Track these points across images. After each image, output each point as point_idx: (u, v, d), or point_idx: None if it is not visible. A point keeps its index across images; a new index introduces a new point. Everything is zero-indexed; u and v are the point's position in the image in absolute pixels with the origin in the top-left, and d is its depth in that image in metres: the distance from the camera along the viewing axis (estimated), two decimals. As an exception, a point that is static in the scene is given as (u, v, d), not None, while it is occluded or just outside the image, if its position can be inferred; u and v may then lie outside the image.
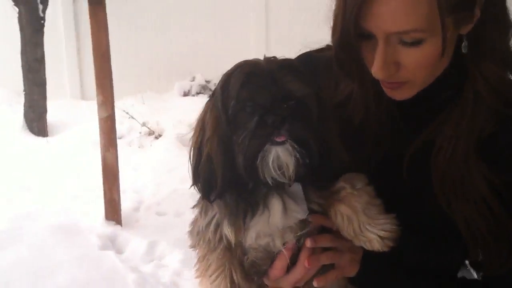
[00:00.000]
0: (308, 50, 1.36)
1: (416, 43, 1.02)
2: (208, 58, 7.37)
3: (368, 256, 1.16)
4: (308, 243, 1.11)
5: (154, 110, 6.58)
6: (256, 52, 7.28)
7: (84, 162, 5.25)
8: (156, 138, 5.85)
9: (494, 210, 1.09)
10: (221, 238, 1.12)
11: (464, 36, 1.08)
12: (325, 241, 1.14)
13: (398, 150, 1.17)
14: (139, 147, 5.71)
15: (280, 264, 1.14)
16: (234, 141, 1.01)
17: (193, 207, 1.21)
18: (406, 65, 1.06)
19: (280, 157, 0.99)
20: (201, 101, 7.43)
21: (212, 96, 1.09)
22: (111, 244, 3.66)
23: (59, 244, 3.45)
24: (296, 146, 0.99)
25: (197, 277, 1.22)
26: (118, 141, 5.67)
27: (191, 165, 1.10)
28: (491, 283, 1.20)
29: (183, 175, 5.20)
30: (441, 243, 1.17)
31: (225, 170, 1.04)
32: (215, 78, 7.59)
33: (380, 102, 1.20)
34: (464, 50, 1.08)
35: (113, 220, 3.88)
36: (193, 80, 7.46)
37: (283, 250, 1.12)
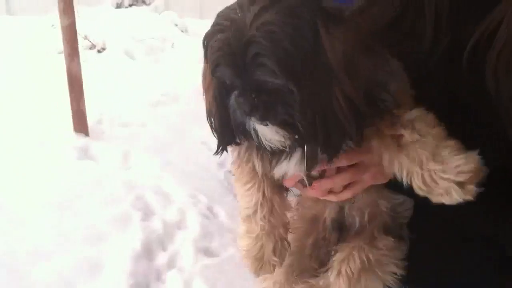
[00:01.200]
0: None
1: None
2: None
3: None
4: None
5: (89, 24, 6.33)
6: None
7: (24, 76, 5.09)
8: (99, 52, 5.70)
9: None
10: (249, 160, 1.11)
11: None
12: (344, 161, 1.04)
13: (459, 43, 1.00)
14: (83, 61, 5.53)
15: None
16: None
17: None
18: None
19: (265, 134, 0.94)
20: (136, 13, 7.25)
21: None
22: (86, 155, 3.69)
23: (37, 157, 3.44)
24: (278, 127, 0.92)
25: (235, 181, 1.23)
26: (59, 56, 5.53)
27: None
28: None
29: (137, 87, 5.20)
30: None
31: (222, 128, 1.00)
32: (148, -12, 7.40)
33: None
34: None
35: (81, 132, 3.88)
36: (125, -8, 7.21)
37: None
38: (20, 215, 2.81)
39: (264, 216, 1.18)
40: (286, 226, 1.23)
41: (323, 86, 0.88)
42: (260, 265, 1.21)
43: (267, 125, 0.91)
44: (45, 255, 2.48)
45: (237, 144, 1.05)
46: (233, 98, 0.92)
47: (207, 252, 2.64)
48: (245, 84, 0.89)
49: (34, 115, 4.10)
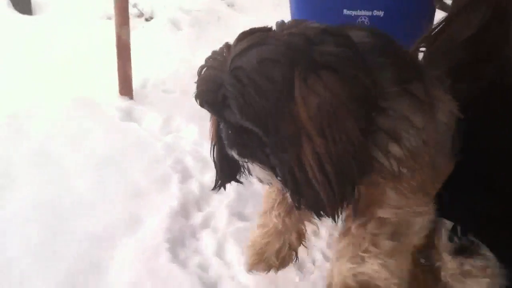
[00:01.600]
0: None
1: None
2: None
3: None
4: None
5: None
6: None
7: (74, 40, 5.23)
8: (147, 20, 5.81)
9: None
10: None
11: None
12: None
13: None
14: (131, 29, 5.65)
15: None
16: None
17: None
18: None
19: (251, 169, 0.94)
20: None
21: None
22: (129, 117, 3.81)
23: (83, 115, 3.58)
24: (260, 166, 0.90)
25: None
26: (108, 22, 5.65)
27: None
28: None
29: (182, 57, 5.30)
30: None
31: (221, 161, 1.00)
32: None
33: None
34: None
35: (126, 95, 4.01)
36: (174, -37, 7.28)
37: None
38: (65, 167, 2.95)
39: (279, 214, 1.16)
40: (300, 236, 1.20)
41: (292, 140, 0.81)
42: (257, 260, 1.20)
43: (246, 162, 0.91)
44: (89, 206, 2.61)
45: (239, 182, 1.02)
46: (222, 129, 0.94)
47: (241, 216, 2.72)
48: (222, 121, 0.92)
49: (82, 77, 4.24)
